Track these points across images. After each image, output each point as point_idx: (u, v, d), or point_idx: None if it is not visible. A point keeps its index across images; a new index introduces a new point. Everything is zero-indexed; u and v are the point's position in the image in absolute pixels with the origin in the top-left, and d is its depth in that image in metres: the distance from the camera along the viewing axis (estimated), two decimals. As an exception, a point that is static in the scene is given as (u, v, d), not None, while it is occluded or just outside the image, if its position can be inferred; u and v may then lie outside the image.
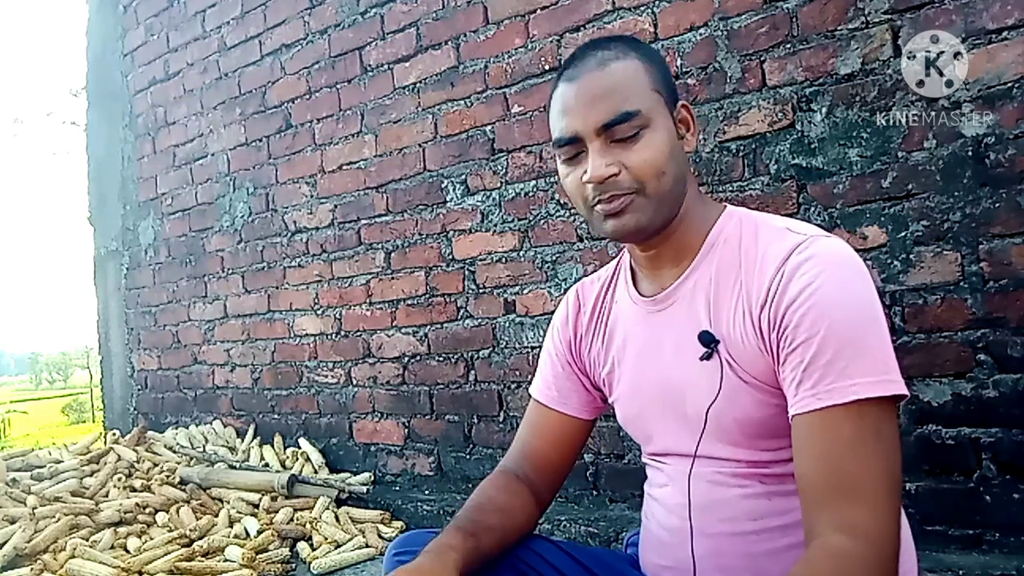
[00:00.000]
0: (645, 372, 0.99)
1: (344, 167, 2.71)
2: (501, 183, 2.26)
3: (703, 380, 0.90)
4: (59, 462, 2.77)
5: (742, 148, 1.81)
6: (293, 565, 2.05)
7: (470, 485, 2.32)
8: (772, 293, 0.84)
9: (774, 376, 0.85)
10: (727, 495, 0.91)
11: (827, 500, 0.77)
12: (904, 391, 0.79)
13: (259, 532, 2.16)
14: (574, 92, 0.92)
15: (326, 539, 2.13)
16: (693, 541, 0.93)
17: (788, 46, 1.73)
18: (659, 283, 0.98)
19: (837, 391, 0.78)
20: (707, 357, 0.90)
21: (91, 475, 2.65)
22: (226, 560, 2.01)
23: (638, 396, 1.01)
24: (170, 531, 2.21)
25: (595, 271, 1.14)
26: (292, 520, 2.26)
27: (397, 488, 2.53)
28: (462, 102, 2.35)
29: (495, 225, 2.28)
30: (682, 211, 0.94)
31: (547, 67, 2.15)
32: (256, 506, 2.40)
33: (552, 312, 2.09)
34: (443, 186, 2.41)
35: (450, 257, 2.40)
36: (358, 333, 2.69)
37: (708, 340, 0.90)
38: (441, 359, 2.43)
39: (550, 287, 2.16)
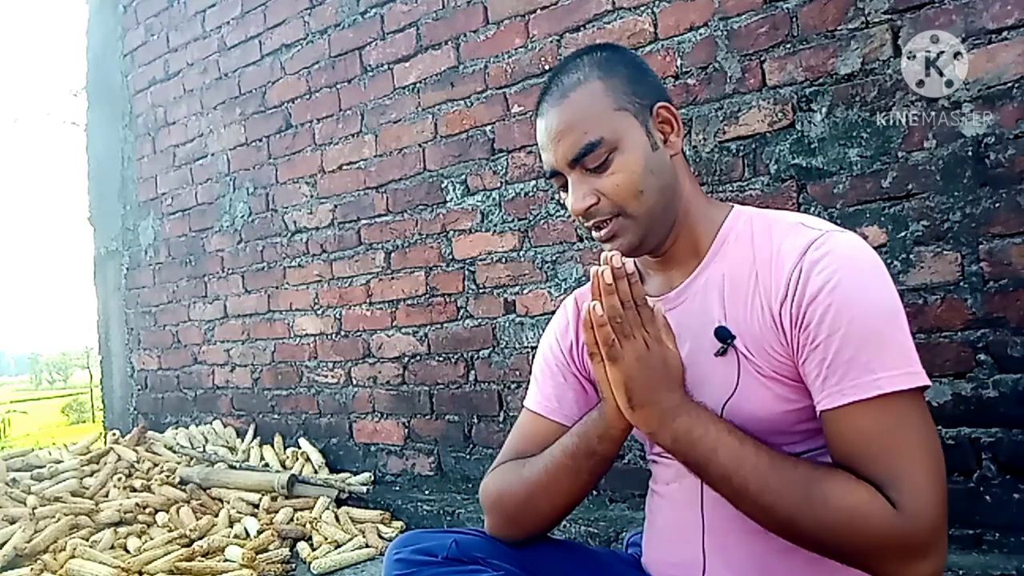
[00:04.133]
0: None
1: (344, 167, 2.71)
2: (501, 183, 2.26)
3: (719, 376, 0.90)
4: (59, 462, 2.76)
5: (742, 148, 1.81)
6: (293, 565, 2.05)
7: (470, 485, 2.32)
8: (792, 289, 0.84)
9: (793, 370, 0.86)
10: None
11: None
12: (927, 382, 0.80)
13: (259, 532, 2.16)
14: (543, 128, 0.95)
15: (326, 539, 2.13)
16: (705, 538, 0.92)
17: (788, 46, 1.73)
18: (668, 282, 0.98)
19: (861, 386, 0.79)
20: (722, 353, 0.90)
21: (91, 475, 2.65)
22: (226, 560, 2.01)
23: None
24: (170, 531, 2.21)
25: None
26: (292, 520, 2.26)
27: (397, 488, 2.53)
28: (462, 102, 2.35)
29: (495, 225, 2.28)
30: (681, 214, 0.94)
31: (547, 67, 2.15)
32: (256, 506, 2.40)
33: (552, 312, 2.09)
34: (443, 186, 2.41)
35: (450, 257, 2.40)
36: (358, 333, 2.69)
37: (724, 335, 0.89)
38: (441, 359, 2.43)
39: (550, 287, 2.16)
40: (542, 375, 1.10)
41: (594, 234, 0.94)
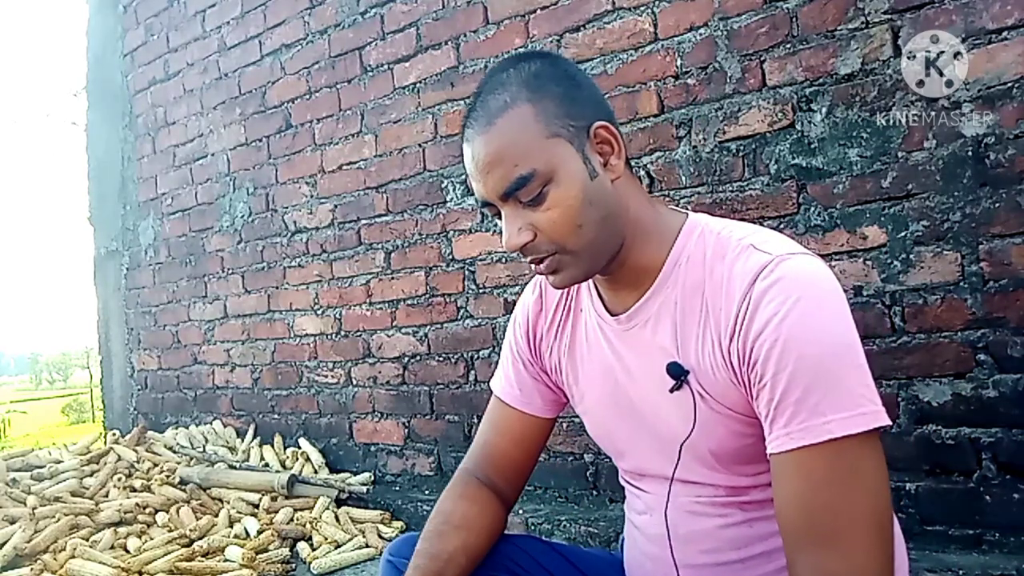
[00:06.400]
0: (613, 392, 0.94)
1: (344, 167, 2.71)
2: (501, 183, 2.26)
3: (676, 411, 0.86)
4: (59, 462, 2.76)
5: (742, 148, 1.81)
6: (293, 565, 2.05)
7: (470, 485, 2.32)
8: (739, 324, 0.79)
9: (748, 406, 0.81)
10: (707, 525, 0.88)
11: (803, 544, 0.74)
12: (882, 422, 0.73)
13: (259, 532, 2.16)
14: (471, 156, 0.85)
15: (326, 539, 2.13)
16: (678, 572, 0.90)
17: (788, 46, 1.73)
18: (621, 303, 0.92)
19: (810, 430, 0.73)
20: (677, 388, 0.85)
21: (91, 475, 2.65)
22: (226, 560, 2.01)
23: (607, 414, 0.96)
24: (170, 531, 2.21)
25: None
26: (292, 520, 2.26)
27: (397, 488, 2.53)
28: (462, 102, 2.35)
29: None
30: (628, 240, 0.87)
31: (547, 67, 2.15)
32: (256, 506, 2.40)
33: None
34: (443, 186, 2.41)
35: (450, 257, 2.40)
36: (358, 333, 2.69)
37: (677, 372, 0.85)
38: (441, 359, 2.43)
39: (550, 287, 2.15)
40: (506, 359, 1.09)
41: (534, 268, 0.86)
